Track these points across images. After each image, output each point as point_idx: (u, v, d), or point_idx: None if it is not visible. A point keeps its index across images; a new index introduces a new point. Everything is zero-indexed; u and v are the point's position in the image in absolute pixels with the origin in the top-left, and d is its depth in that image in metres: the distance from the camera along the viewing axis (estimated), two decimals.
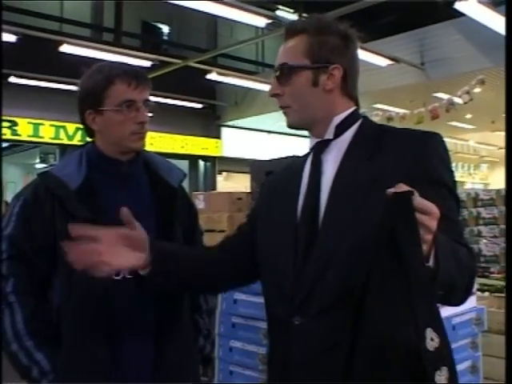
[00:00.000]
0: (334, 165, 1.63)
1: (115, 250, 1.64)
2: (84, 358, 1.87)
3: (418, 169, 1.50)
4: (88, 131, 2.10)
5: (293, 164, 1.84)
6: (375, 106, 13.12)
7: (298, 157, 1.87)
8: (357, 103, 1.76)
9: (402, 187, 1.22)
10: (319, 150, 1.68)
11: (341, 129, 1.67)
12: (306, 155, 1.78)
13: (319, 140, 1.70)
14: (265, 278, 1.74)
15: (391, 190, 1.22)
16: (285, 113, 1.71)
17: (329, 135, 1.68)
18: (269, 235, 1.71)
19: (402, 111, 12.62)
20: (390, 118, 12.71)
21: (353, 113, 1.70)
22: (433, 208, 1.25)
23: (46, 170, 2.05)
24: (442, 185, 1.56)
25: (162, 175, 2.14)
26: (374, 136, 1.64)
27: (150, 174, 2.14)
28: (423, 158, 1.53)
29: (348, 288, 1.41)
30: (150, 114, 2.05)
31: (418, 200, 1.23)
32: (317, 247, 1.57)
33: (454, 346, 2.33)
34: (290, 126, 1.75)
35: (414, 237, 1.22)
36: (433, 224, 1.25)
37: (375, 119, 9.00)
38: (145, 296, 1.96)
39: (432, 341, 1.20)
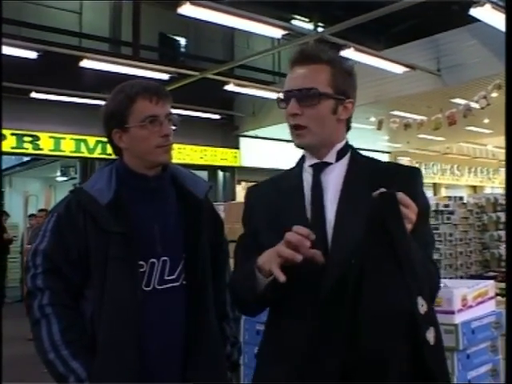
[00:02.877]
0: (336, 186, 1.79)
1: None
2: (116, 367, 1.93)
3: (411, 198, 1.66)
4: (115, 149, 2.17)
5: (285, 178, 1.94)
6: (392, 113, 13.14)
7: (285, 170, 1.99)
8: (347, 132, 1.94)
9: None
10: (319, 169, 1.83)
11: (340, 155, 1.85)
12: (298, 170, 1.90)
13: (320, 161, 1.84)
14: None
15: (377, 192, 1.48)
16: (298, 133, 1.80)
17: (330, 158, 1.84)
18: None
19: (419, 118, 12.63)
20: (407, 125, 12.74)
21: (347, 143, 1.89)
22: (412, 203, 1.52)
23: (78, 186, 2.12)
24: (426, 214, 1.78)
25: (188, 188, 2.19)
26: (366, 165, 1.84)
27: (176, 187, 2.19)
28: (414, 191, 1.70)
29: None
30: (174, 127, 2.11)
31: (400, 195, 1.50)
32: (331, 259, 1.68)
33: (473, 349, 2.39)
34: (300, 146, 1.84)
35: (401, 224, 1.48)
36: (412, 216, 1.52)
37: (393, 126, 9.03)
38: (175, 307, 2.04)
39: (422, 306, 1.42)
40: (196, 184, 2.24)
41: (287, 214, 1.79)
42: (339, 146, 1.86)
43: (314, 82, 1.79)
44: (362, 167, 1.83)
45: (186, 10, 6.96)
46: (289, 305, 1.75)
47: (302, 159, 1.92)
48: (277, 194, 1.87)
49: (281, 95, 1.84)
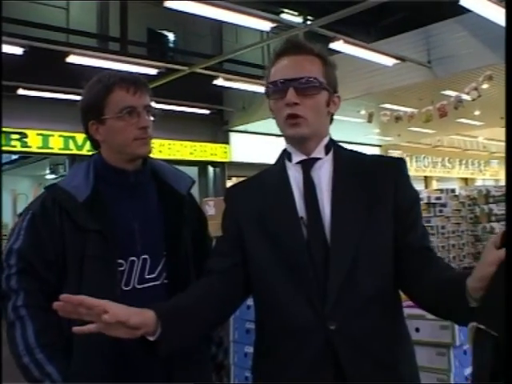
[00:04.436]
0: (327, 182, 1.74)
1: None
2: (94, 369, 1.87)
3: (400, 191, 1.73)
4: (93, 143, 2.10)
5: (267, 176, 1.88)
6: (383, 105, 13.10)
7: (265, 169, 1.92)
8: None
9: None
10: (309, 165, 1.77)
11: (327, 149, 1.80)
12: (281, 168, 1.84)
13: (307, 157, 1.78)
14: (273, 290, 1.71)
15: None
16: (295, 122, 1.72)
17: (318, 153, 1.79)
18: (274, 249, 1.71)
19: (409, 110, 12.61)
20: (398, 118, 12.73)
21: (330, 137, 1.85)
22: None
23: (53, 182, 2.05)
24: (418, 205, 1.82)
25: (169, 183, 2.13)
26: (351, 159, 1.81)
27: (157, 183, 2.13)
28: (402, 182, 1.76)
29: (380, 288, 1.65)
30: (153, 119, 2.05)
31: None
32: (334, 256, 1.64)
33: None
34: (295, 136, 1.76)
35: None
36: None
37: (384, 119, 9.01)
38: None
39: None
40: (178, 179, 2.17)
41: (276, 214, 1.73)
42: (326, 140, 1.81)
43: (313, 72, 1.73)
44: (347, 161, 1.80)
45: (174, 3, 6.87)
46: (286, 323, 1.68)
47: (283, 156, 1.86)
48: (262, 194, 1.80)
49: (273, 85, 1.75)
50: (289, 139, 1.79)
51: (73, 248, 1.90)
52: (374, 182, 1.73)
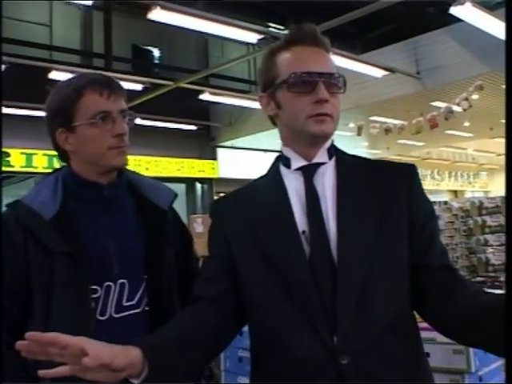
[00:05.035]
0: (332, 190, 1.53)
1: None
2: None
3: (414, 203, 1.54)
4: (61, 155, 1.88)
5: (260, 187, 1.65)
6: (372, 118, 12.96)
7: (257, 179, 1.70)
8: None
9: None
10: (311, 172, 1.56)
11: (330, 154, 1.61)
12: (275, 176, 1.62)
13: (309, 163, 1.57)
14: (272, 317, 1.48)
15: None
16: (325, 119, 1.52)
17: (322, 158, 1.59)
18: (271, 269, 1.48)
19: (399, 122, 12.50)
20: (388, 130, 12.61)
21: (332, 140, 1.65)
22: None
23: (16, 199, 1.83)
24: (434, 216, 1.62)
25: (149, 197, 1.91)
26: (355, 164, 1.62)
27: (135, 197, 1.91)
28: (415, 192, 1.57)
29: (397, 314, 1.45)
30: (129, 125, 1.83)
31: None
32: (342, 277, 1.42)
33: (486, 370, 2.14)
34: (324, 135, 1.55)
35: None
36: None
37: (373, 132, 8.86)
38: (136, 338, 1.73)
39: None
40: (158, 193, 1.95)
41: (272, 228, 1.51)
42: (329, 143, 1.60)
43: (334, 69, 1.57)
44: (352, 167, 1.61)
45: (157, 15, 6.67)
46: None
47: (278, 163, 1.65)
48: (254, 207, 1.58)
49: (298, 76, 1.52)
50: (306, 138, 1.55)
51: (39, 274, 1.68)
52: (384, 191, 1.53)
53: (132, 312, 1.76)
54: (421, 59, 10.89)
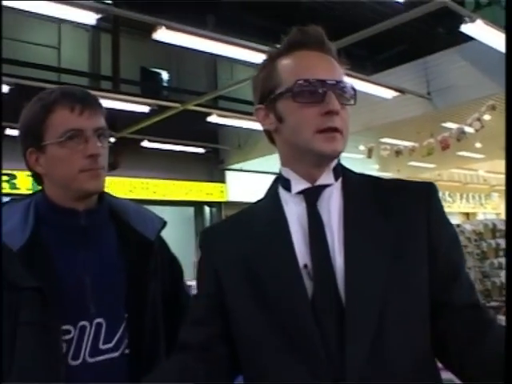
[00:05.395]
0: (338, 216, 1.32)
1: None
2: None
3: (434, 228, 1.34)
4: (35, 177, 1.71)
5: (255, 214, 1.46)
6: (382, 140, 12.78)
7: (251, 205, 1.51)
8: None
9: None
10: (314, 196, 1.35)
11: (336, 174, 1.40)
12: (274, 201, 1.42)
13: (312, 185, 1.37)
14: (269, 368, 1.28)
15: None
16: (335, 136, 1.32)
17: (326, 179, 1.36)
18: (267, 310, 1.28)
19: (410, 144, 12.33)
20: (398, 152, 12.44)
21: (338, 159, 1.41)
22: None
23: None
24: (455, 241, 1.40)
25: (133, 226, 1.73)
26: (366, 185, 1.39)
27: (118, 225, 1.72)
28: (436, 215, 1.36)
29: (416, 361, 1.24)
30: (103, 144, 1.65)
31: None
32: (351, 321, 1.20)
33: None
34: (335, 154, 1.35)
35: None
36: None
37: (383, 154, 8.66)
38: None
39: None
40: (145, 221, 1.77)
41: (268, 262, 1.30)
42: (335, 162, 1.40)
43: (342, 77, 1.37)
44: (361, 188, 1.39)
45: (162, 35, 6.55)
46: None
47: (276, 185, 1.44)
48: (248, 237, 1.38)
49: (305, 84, 1.32)
50: (312, 156, 1.35)
51: (2, 314, 1.47)
52: (399, 215, 1.33)
53: (109, 356, 1.58)
54: (431, 79, 10.73)
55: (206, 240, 1.49)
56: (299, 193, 1.37)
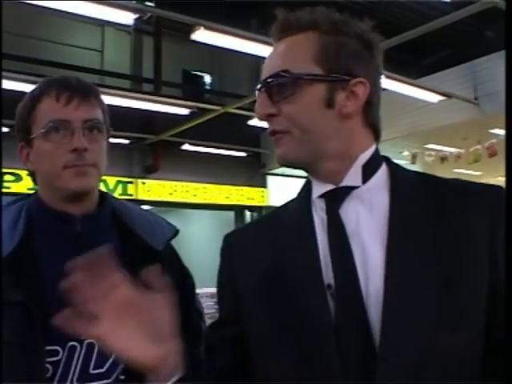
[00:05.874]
0: (374, 225, 1.11)
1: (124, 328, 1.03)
2: None
3: (500, 245, 1.08)
4: (31, 176, 1.57)
5: (280, 219, 1.27)
6: (427, 146, 12.48)
7: (278, 208, 1.34)
8: (377, 138, 1.23)
9: None
10: (336, 200, 1.15)
11: (368, 172, 1.18)
12: (303, 204, 1.24)
13: (335, 187, 1.17)
14: None
15: None
16: (277, 141, 1.18)
17: (352, 180, 1.16)
18: (287, 335, 1.09)
19: (456, 150, 12.04)
20: (443, 158, 12.15)
21: (376, 151, 1.19)
22: None
23: None
24: None
25: (138, 233, 1.54)
26: (418, 185, 1.15)
27: (120, 232, 1.54)
28: (501, 225, 1.09)
29: None
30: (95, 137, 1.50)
31: None
32: (384, 359, 0.99)
33: None
34: (283, 162, 1.20)
35: None
36: None
37: (428, 160, 8.39)
38: None
39: None
40: (152, 227, 1.58)
41: (292, 278, 1.12)
42: (364, 157, 1.17)
43: (285, 62, 1.15)
44: (414, 190, 1.16)
45: (201, 36, 6.43)
46: None
47: (308, 186, 1.26)
48: (274, 244, 1.20)
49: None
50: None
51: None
52: (459, 228, 1.09)
53: (100, 383, 1.39)
54: (479, 84, 10.42)
55: (225, 247, 1.33)
56: (321, 196, 1.20)
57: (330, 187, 1.18)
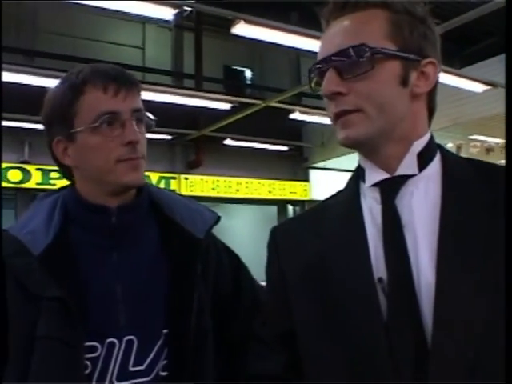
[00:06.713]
0: (429, 216, 1.06)
1: None
2: None
3: None
4: (64, 171, 1.50)
5: (329, 210, 1.23)
6: (471, 137, 12.26)
7: (327, 199, 1.29)
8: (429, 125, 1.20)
9: None
10: (391, 189, 1.10)
11: (424, 160, 1.14)
12: (352, 195, 1.19)
13: (390, 176, 1.12)
14: None
15: None
16: (346, 121, 1.10)
17: (408, 168, 1.11)
18: (334, 336, 1.06)
19: (501, 141, 11.79)
20: (489, 149, 11.92)
21: (432, 139, 1.15)
22: None
23: (4, 228, 1.44)
24: None
25: (178, 222, 1.48)
26: (475, 174, 1.11)
27: (160, 223, 1.49)
28: None
29: None
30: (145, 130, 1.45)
31: None
32: (437, 357, 0.95)
33: None
34: (350, 142, 1.13)
35: None
36: None
37: (473, 151, 8.23)
38: None
39: None
40: (192, 216, 1.52)
41: (340, 273, 1.08)
42: (420, 144, 1.13)
43: (362, 36, 1.09)
44: (465, 178, 1.11)
45: (241, 30, 6.40)
46: None
47: (357, 176, 1.21)
48: (321, 237, 1.16)
49: (313, 72, 1.16)
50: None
51: (19, 325, 1.28)
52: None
53: (139, 381, 1.35)
54: None
55: (273, 240, 1.32)
56: (375, 185, 1.16)
57: (384, 175, 1.14)
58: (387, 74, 1.11)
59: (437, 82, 1.19)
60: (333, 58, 1.11)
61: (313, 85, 1.19)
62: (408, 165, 1.13)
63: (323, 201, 1.34)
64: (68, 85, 1.41)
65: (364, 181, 1.19)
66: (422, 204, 1.10)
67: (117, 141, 1.37)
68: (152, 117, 1.47)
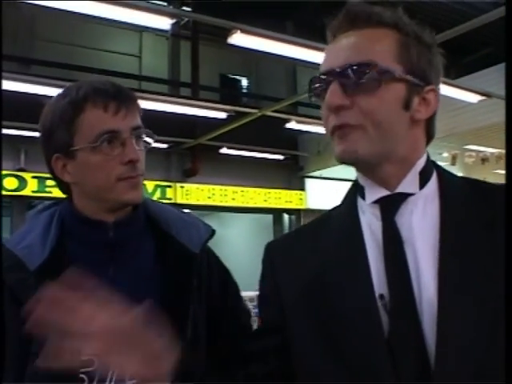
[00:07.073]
0: (428, 234, 1.06)
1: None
2: None
3: None
4: (61, 185, 1.50)
5: (329, 223, 1.24)
6: (467, 147, 12.29)
7: (324, 214, 1.29)
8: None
9: None
10: (392, 207, 1.11)
11: (424, 179, 1.16)
12: (349, 211, 1.19)
13: (390, 193, 1.13)
14: None
15: None
16: (343, 135, 1.11)
17: (409, 186, 1.14)
18: (332, 353, 1.06)
19: (496, 151, 11.84)
20: (484, 159, 11.96)
21: (428, 157, 1.17)
22: None
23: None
24: None
25: (174, 236, 1.49)
26: (472, 192, 1.12)
27: (156, 236, 1.50)
28: None
29: None
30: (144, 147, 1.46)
31: None
32: (439, 375, 0.95)
33: None
34: (347, 158, 1.14)
35: None
36: None
37: (468, 161, 8.26)
38: None
39: None
40: (188, 230, 1.53)
41: (339, 289, 1.08)
42: (420, 164, 1.14)
43: (371, 54, 1.09)
44: (462, 196, 1.12)
45: (238, 39, 6.41)
46: None
47: (354, 191, 1.22)
48: (319, 253, 1.16)
49: (315, 83, 1.15)
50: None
51: (12, 342, 1.28)
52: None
53: None
54: None
55: (268, 255, 1.31)
56: (375, 202, 1.16)
57: (384, 193, 1.15)
58: (392, 95, 1.11)
59: (436, 110, 1.19)
60: (339, 71, 1.12)
61: (312, 95, 1.20)
62: (410, 183, 1.14)
63: (319, 217, 1.35)
64: (68, 100, 1.41)
65: (363, 197, 1.19)
66: (422, 222, 1.11)
67: (117, 159, 1.39)
68: (152, 134, 1.48)
